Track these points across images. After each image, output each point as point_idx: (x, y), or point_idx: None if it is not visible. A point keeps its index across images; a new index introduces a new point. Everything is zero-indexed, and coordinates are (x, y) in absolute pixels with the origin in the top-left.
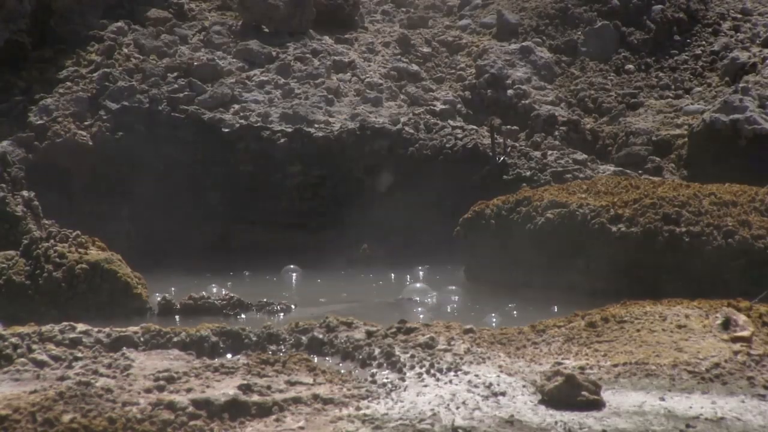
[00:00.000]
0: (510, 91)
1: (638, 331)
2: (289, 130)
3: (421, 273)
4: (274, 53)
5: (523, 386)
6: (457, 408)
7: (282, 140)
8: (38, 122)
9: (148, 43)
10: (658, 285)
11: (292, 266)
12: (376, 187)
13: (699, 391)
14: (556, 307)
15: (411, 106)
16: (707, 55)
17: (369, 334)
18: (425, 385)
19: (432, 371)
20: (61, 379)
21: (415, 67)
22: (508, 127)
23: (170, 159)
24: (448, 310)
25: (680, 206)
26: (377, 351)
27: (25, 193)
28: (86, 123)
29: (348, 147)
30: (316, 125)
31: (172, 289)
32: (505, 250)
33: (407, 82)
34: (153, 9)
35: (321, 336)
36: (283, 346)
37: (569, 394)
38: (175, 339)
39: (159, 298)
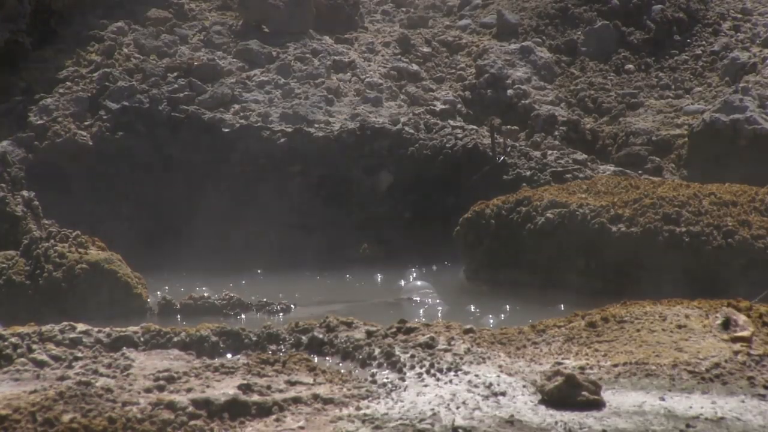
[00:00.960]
0: (510, 91)
1: (638, 331)
2: (289, 130)
3: (419, 273)
4: (274, 53)
5: (523, 386)
6: (457, 408)
7: (282, 140)
8: (38, 122)
9: (148, 43)
10: (658, 285)
11: (293, 266)
12: (376, 187)
13: (699, 391)
14: (562, 306)
15: (411, 106)
16: (707, 55)
17: (369, 334)
18: (425, 385)
19: (432, 371)
20: (61, 379)
21: (415, 67)
22: (508, 127)
23: (170, 159)
24: (448, 310)
25: (680, 206)
26: (377, 351)
27: (25, 193)
28: (86, 123)
29: (348, 147)
30: (316, 125)
31: (165, 288)
32: (505, 250)
33: (407, 82)
34: (153, 9)
35: (321, 336)
36: (283, 346)
37: (569, 394)
38: (175, 339)
39: (159, 298)
